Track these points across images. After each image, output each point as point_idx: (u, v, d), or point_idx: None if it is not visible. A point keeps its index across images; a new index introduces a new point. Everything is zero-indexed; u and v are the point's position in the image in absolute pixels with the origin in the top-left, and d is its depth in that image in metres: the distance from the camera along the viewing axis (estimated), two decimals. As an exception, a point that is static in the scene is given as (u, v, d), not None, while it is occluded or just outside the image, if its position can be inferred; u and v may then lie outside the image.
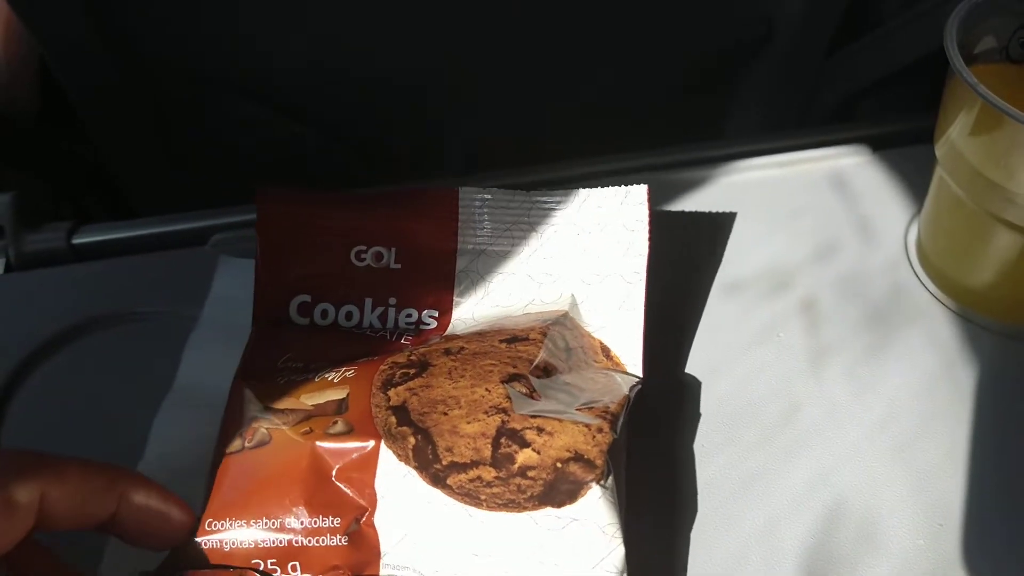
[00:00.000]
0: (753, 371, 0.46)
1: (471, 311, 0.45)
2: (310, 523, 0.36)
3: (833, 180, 0.55)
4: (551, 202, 0.46)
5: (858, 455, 0.43)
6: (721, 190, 0.55)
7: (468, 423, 0.38)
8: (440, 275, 0.46)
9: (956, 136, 0.42)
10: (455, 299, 0.45)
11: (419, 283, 0.46)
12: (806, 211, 0.54)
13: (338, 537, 0.36)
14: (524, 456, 0.37)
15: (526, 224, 0.46)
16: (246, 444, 0.38)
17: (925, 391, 0.46)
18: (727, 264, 0.51)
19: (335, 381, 0.40)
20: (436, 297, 0.46)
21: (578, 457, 0.37)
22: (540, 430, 0.37)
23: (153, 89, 0.53)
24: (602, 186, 0.46)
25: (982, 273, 0.47)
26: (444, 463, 0.37)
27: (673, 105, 0.68)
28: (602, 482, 0.36)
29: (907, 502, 0.42)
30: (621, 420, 0.39)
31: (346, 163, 0.47)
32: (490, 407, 0.38)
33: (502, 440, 0.37)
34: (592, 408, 0.39)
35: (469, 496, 0.36)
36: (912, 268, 0.51)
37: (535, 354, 0.40)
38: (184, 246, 0.52)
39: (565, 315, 0.43)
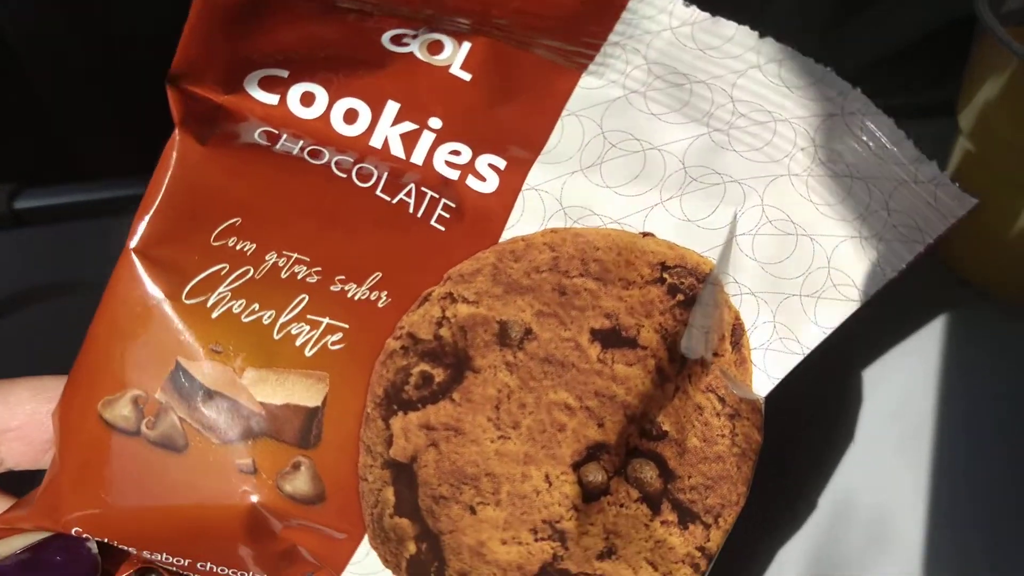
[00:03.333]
0: None
1: (560, 182, 0.25)
2: (231, 573, 0.24)
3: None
4: (801, 74, 0.24)
5: (867, 448, 0.38)
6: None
7: (504, 543, 0.23)
8: (534, 108, 0.25)
9: (984, 102, 0.37)
10: (543, 151, 0.25)
11: (491, 108, 0.25)
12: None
13: None
14: None
15: (726, 88, 0.25)
16: (144, 428, 0.23)
17: (939, 379, 0.40)
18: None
19: (308, 351, 0.23)
20: (511, 137, 0.25)
21: None
22: None
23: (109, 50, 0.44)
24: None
25: (1008, 253, 0.40)
26: None
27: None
28: None
29: (921, 499, 0.37)
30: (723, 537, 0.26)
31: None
32: (543, 522, 0.24)
33: None
34: (693, 514, 0.25)
35: None
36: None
37: (637, 388, 0.24)
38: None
39: (709, 278, 0.26)
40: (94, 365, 0.23)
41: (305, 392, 0.23)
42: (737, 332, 0.27)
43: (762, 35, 0.24)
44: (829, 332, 0.26)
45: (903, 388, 0.39)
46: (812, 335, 0.26)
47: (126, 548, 0.24)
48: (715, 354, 0.26)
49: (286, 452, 0.23)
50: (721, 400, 0.26)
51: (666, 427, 0.25)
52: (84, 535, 0.23)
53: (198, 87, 0.24)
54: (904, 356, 0.40)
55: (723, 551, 0.33)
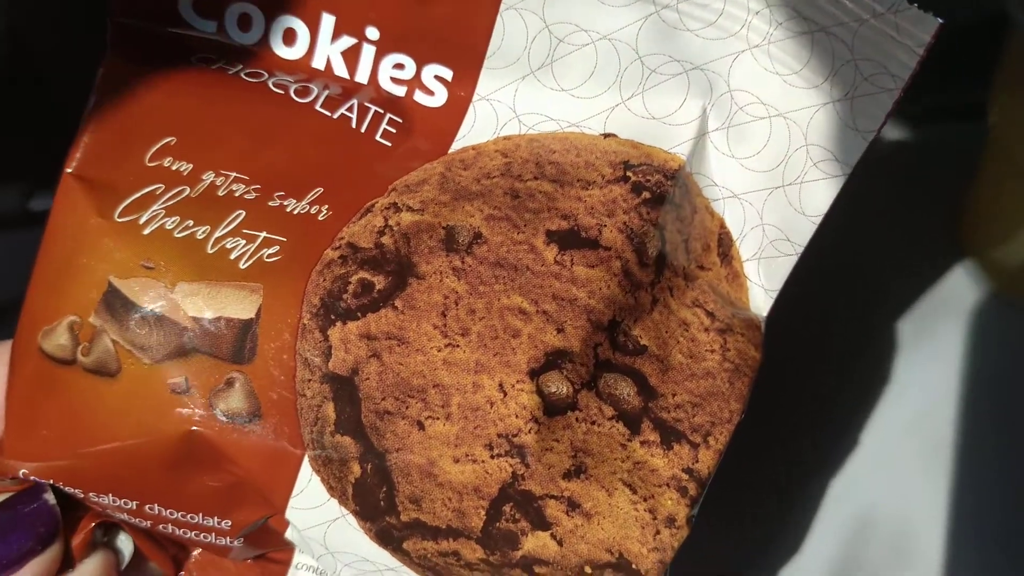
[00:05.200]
0: (770, 363, 0.34)
1: (512, 89, 0.24)
2: (180, 516, 0.23)
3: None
4: None
5: (888, 459, 0.37)
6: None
7: (456, 462, 0.21)
8: (469, 2, 0.24)
9: (1016, 102, 0.36)
10: (488, 55, 0.24)
11: (425, 8, 0.24)
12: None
13: (227, 539, 0.23)
14: (535, 543, 0.21)
15: None
16: (79, 355, 0.22)
17: (963, 387, 0.39)
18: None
19: (243, 264, 0.22)
20: (452, 41, 0.24)
21: (621, 564, 0.22)
22: (573, 505, 0.22)
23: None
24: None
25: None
26: (403, 519, 0.22)
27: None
28: None
29: (943, 512, 0.36)
30: (715, 466, 0.23)
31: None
32: (499, 436, 0.21)
33: (506, 508, 0.21)
34: (678, 433, 0.22)
35: (434, 572, 0.22)
36: (952, 253, 0.42)
37: (601, 291, 0.22)
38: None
39: (679, 176, 0.24)
40: (35, 297, 0.23)
41: (238, 304, 0.22)
42: (725, 242, 0.24)
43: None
44: (819, 221, 0.23)
45: (926, 397, 0.38)
46: (802, 229, 0.23)
47: (72, 491, 0.23)
48: (701, 267, 0.24)
49: (219, 368, 0.22)
50: (710, 315, 0.24)
51: (644, 341, 0.23)
52: (32, 478, 0.23)
53: (136, 19, 0.24)
54: (927, 363, 0.39)
55: (737, 563, 0.32)
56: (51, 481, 0.23)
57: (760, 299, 0.25)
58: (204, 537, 0.23)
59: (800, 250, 0.24)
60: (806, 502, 0.36)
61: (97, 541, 0.24)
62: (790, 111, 0.23)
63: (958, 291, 0.41)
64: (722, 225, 0.24)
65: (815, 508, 0.36)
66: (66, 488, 0.23)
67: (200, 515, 0.23)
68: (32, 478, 0.23)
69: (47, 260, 0.23)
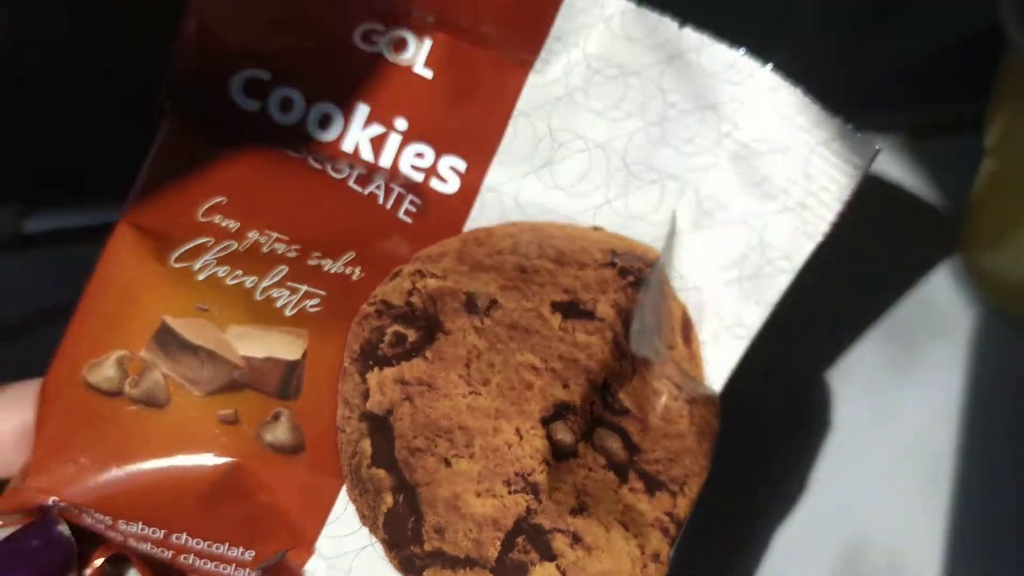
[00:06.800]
0: (759, 383, 0.34)
1: (516, 183, 0.28)
2: (206, 546, 0.24)
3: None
4: (717, 60, 0.27)
5: (882, 487, 0.37)
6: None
7: (478, 496, 0.24)
8: (488, 107, 0.28)
9: (1012, 120, 0.36)
10: (498, 152, 0.28)
11: (450, 108, 0.28)
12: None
13: (245, 571, 0.24)
14: (542, 573, 0.24)
15: (655, 77, 0.28)
16: (127, 387, 0.24)
17: (961, 411, 0.38)
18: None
19: (288, 312, 0.25)
20: (469, 138, 0.28)
21: None
22: (576, 540, 0.25)
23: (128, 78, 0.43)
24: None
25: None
26: (426, 548, 0.24)
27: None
28: None
29: (939, 539, 0.36)
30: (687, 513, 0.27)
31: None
32: (516, 474, 0.24)
33: (519, 540, 0.24)
34: (659, 482, 0.26)
35: None
36: (950, 271, 0.42)
37: (597, 355, 0.26)
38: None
39: (656, 265, 0.28)
40: (81, 333, 0.24)
41: (286, 347, 0.24)
42: (687, 327, 0.29)
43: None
44: (769, 311, 0.28)
45: (921, 422, 0.38)
46: (754, 317, 0.28)
47: (101, 518, 0.23)
48: (669, 347, 0.28)
49: (267, 403, 0.24)
50: (677, 387, 0.28)
51: (627, 404, 0.27)
52: (52, 504, 0.23)
53: (190, 94, 0.27)
54: (923, 383, 0.39)
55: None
56: (85, 507, 0.23)
57: (714, 377, 0.29)
58: (222, 568, 0.24)
59: (752, 334, 0.28)
60: (797, 528, 0.36)
61: (107, 574, 0.25)
62: (751, 216, 0.28)
63: (956, 309, 0.41)
64: (684, 311, 0.29)
65: (806, 534, 0.36)
66: (97, 513, 0.23)
67: (226, 545, 0.24)
68: (50, 502, 0.23)
69: (95, 298, 0.24)
